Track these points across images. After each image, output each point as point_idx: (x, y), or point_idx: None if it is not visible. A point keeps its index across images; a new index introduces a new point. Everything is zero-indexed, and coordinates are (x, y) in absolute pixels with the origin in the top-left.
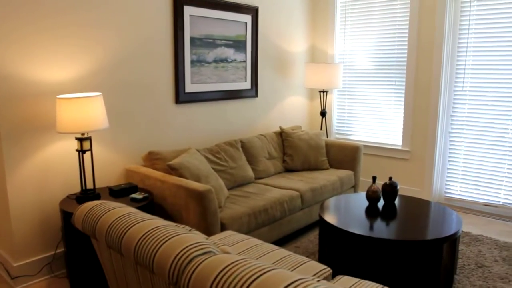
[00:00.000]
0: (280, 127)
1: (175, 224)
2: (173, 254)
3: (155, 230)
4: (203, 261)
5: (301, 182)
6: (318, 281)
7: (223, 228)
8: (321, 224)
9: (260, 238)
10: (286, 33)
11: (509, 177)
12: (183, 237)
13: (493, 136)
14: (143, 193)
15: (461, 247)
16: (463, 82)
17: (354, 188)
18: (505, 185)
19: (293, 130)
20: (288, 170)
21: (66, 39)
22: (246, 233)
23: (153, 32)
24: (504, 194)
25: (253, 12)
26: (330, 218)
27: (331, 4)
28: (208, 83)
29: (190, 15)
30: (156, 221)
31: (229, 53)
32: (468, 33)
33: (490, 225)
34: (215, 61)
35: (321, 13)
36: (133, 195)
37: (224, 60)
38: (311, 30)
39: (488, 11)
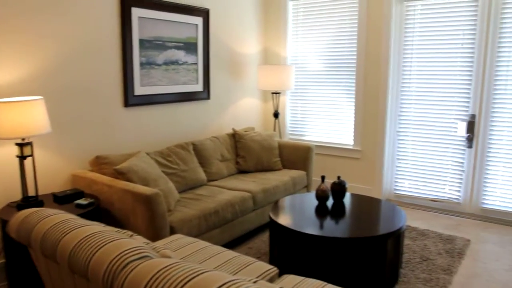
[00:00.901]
0: (233, 129)
1: (116, 229)
2: (107, 260)
3: (91, 237)
4: (137, 266)
5: (253, 183)
6: (255, 282)
7: (173, 231)
8: (271, 224)
9: (212, 241)
10: (239, 35)
11: (453, 173)
12: (120, 243)
13: (438, 134)
14: (89, 199)
15: (408, 241)
16: (409, 83)
17: (307, 188)
18: (449, 181)
19: (246, 131)
20: (241, 171)
21: (5, 44)
22: (196, 236)
23: (99, 35)
24: (449, 190)
25: (204, 14)
26: (279, 218)
27: (283, 7)
28: (158, 85)
29: (138, 17)
30: (94, 227)
31: (180, 55)
32: (413, 36)
33: (436, 219)
34: (166, 63)
35: (273, 16)
36: (78, 201)
37: (175, 62)
38: (264, 32)
39: (431, 15)
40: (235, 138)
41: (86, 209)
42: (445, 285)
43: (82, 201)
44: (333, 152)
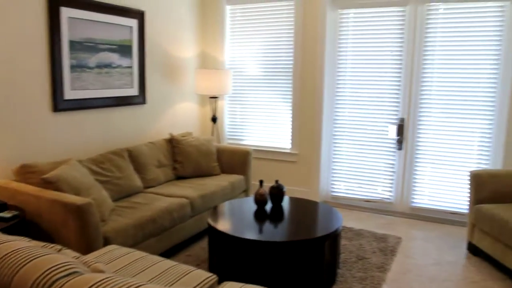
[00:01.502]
0: (170, 134)
1: (43, 244)
2: (32, 278)
3: (13, 254)
4: (65, 283)
5: (191, 189)
6: None
7: (107, 242)
8: (210, 230)
9: (149, 250)
10: (176, 39)
11: (385, 175)
12: (46, 259)
13: (371, 137)
14: (13, 211)
15: (344, 242)
16: (344, 88)
17: (246, 192)
18: (382, 182)
19: (183, 136)
20: (179, 177)
21: None
22: (132, 246)
23: (23, 36)
24: (382, 190)
25: (139, 16)
26: (218, 224)
27: (220, 10)
28: (91, 89)
29: (68, 17)
30: (17, 243)
31: (114, 58)
32: (346, 43)
33: (370, 219)
34: (98, 66)
35: (211, 19)
36: (1, 214)
37: (108, 66)
38: (201, 36)
39: (363, 23)
40: (173, 143)
41: (10, 223)
42: (379, 283)
43: (5, 214)
44: (271, 156)
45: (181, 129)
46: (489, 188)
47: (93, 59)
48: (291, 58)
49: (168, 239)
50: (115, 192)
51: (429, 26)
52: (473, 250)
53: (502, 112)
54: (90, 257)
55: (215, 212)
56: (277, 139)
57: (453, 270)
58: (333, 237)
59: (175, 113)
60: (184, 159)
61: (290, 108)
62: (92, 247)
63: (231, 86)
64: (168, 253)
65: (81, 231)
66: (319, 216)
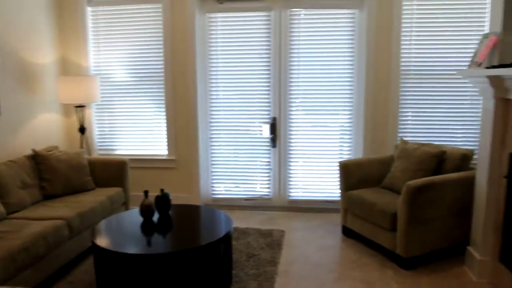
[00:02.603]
0: (32, 150)
1: None
2: None
3: None
4: None
5: (65, 208)
6: None
7: None
8: (95, 250)
9: (25, 284)
10: (30, 43)
11: (262, 172)
12: None
13: (246, 137)
14: None
15: (232, 242)
16: (217, 90)
17: (126, 204)
18: (260, 180)
19: (49, 151)
20: (49, 196)
21: None
22: (4, 282)
23: None
24: (260, 188)
25: None
26: (102, 241)
27: (80, 12)
28: None
29: None
30: None
31: None
32: (216, 46)
33: (252, 217)
34: None
35: (70, 22)
36: None
37: None
38: (59, 40)
39: (231, 26)
40: (37, 160)
41: None
42: (273, 276)
43: None
44: (148, 164)
45: (45, 143)
46: (356, 175)
47: None
48: (161, 62)
49: (45, 267)
50: None
51: (293, 30)
52: (348, 232)
53: (359, 107)
54: None
55: (97, 229)
56: (153, 146)
57: (333, 253)
58: (227, 240)
59: (36, 126)
60: (52, 176)
61: (164, 113)
62: None
63: (99, 93)
64: (47, 283)
65: None
66: (209, 220)
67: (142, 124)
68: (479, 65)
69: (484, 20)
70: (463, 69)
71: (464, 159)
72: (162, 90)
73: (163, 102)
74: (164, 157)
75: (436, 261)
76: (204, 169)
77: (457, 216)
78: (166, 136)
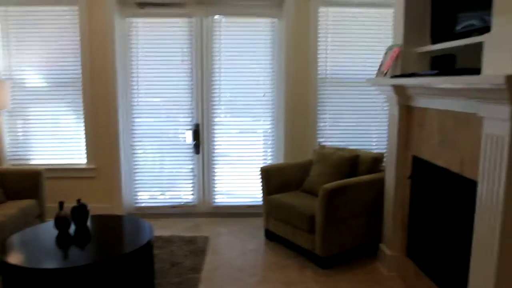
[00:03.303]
0: None
1: None
2: None
3: None
4: None
5: None
6: None
7: None
8: (3, 268)
9: None
10: None
11: (186, 179)
12: None
13: (170, 144)
14: None
15: (156, 251)
16: (139, 97)
17: (41, 217)
18: (184, 187)
19: None
20: None
21: None
22: None
23: None
24: (185, 195)
25: None
26: (12, 258)
27: None
28: None
29: None
30: None
31: None
32: (137, 52)
33: (177, 224)
34: None
35: None
36: None
37: None
38: None
39: (152, 32)
40: None
41: None
42: (196, 284)
43: None
44: (66, 174)
45: None
46: (277, 180)
47: None
48: (79, 67)
49: None
50: None
51: (214, 36)
52: (270, 235)
53: (279, 113)
54: None
55: (7, 246)
56: (72, 154)
57: (256, 257)
58: (148, 249)
59: None
60: None
61: (83, 120)
62: None
63: (9, 99)
64: None
65: None
66: (129, 230)
67: (59, 132)
68: (385, 74)
69: (392, 32)
70: (371, 78)
71: (375, 162)
72: (80, 96)
73: (81, 108)
74: (83, 166)
75: (352, 259)
76: (126, 177)
77: (370, 215)
78: (85, 144)
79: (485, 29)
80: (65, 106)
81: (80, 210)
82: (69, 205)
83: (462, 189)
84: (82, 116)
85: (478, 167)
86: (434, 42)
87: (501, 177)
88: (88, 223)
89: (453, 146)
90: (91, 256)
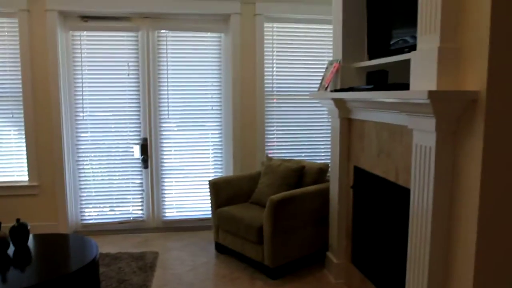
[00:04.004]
0: None
1: None
2: None
3: None
4: None
5: None
6: None
7: None
8: None
9: None
10: None
11: (134, 194)
12: None
13: (117, 159)
14: None
15: (102, 269)
16: (83, 111)
17: None
18: (132, 202)
19: None
20: None
21: None
22: None
23: None
24: (133, 210)
25: None
26: None
27: None
28: None
29: None
30: None
31: None
32: (81, 65)
33: (126, 240)
34: None
35: None
36: None
37: None
38: None
39: (97, 45)
40: None
41: None
42: None
43: None
44: (5, 192)
45: None
46: (226, 193)
47: None
48: (19, 83)
49: None
50: None
51: (160, 50)
52: (220, 248)
53: (227, 126)
54: None
55: None
56: (12, 172)
57: (206, 270)
58: (92, 267)
59: None
60: None
61: (23, 136)
62: None
63: None
64: None
65: None
66: (73, 248)
67: None
68: (326, 88)
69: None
70: (313, 92)
71: (321, 173)
72: (21, 111)
73: (22, 124)
74: (25, 184)
75: (301, 268)
76: (71, 194)
77: (317, 225)
78: (26, 160)
79: (415, 46)
80: (4, 121)
81: (20, 230)
82: (9, 224)
83: (399, 197)
84: (23, 132)
85: (411, 176)
86: (371, 57)
87: (429, 185)
88: (29, 243)
89: (389, 156)
90: (31, 278)
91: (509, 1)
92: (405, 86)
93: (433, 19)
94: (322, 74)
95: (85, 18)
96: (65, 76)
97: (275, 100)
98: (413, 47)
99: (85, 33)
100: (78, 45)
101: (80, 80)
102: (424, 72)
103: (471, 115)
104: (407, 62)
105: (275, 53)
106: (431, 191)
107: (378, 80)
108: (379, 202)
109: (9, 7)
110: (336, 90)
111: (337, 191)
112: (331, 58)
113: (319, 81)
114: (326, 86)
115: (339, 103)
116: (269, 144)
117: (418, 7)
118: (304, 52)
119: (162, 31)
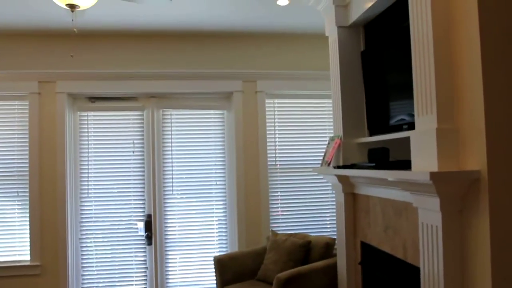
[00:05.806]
0: None
1: None
2: None
3: None
4: None
5: None
6: None
7: None
8: None
9: None
10: None
11: (137, 271)
12: None
13: (121, 236)
14: None
15: None
16: (88, 190)
17: None
18: (135, 279)
19: None
20: None
21: None
22: None
23: None
24: (136, 285)
25: None
26: None
27: None
28: None
29: None
30: None
31: None
32: (88, 145)
33: None
34: None
35: None
36: None
37: None
38: None
39: (103, 125)
40: None
41: None
42: None
43: None
44: (6, 272)
45: None
46: (231, 270)
47: None
48: (26, 161)
49: None
50: None
51: (165, 128)
52: None
53: (232, 201)
54: None
55: None
56: (13, 252)
57: None
58: None
59: None
60: None
61: (27, 216)
62: None
63: None
64: None
65: None
66: None
67: (1, 226)
68: (328, 164)
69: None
70: (317, 167)
71: (328, 247)
72: (27, 189)
73: (27, 202)
74: (26, 263)
75: None
76: (73, 273)
77: None
78: (29, 239)
79: (413, 123)
80: (9, 200)
81: None
82: None
83: (408, 275)
84: (27, 210)
85: (419, 253)
86: (371, 133)
87: (439, 265)
88: None
89: (395, 232)
90: None
91: (501, 81)
92: (407, 164)
93: (428, 101)
94: (324, 145)
95: (93, 99)
96: (71, 154)
97: (278, 166)
98: (411, 124)
99: (92, 113)
100: (85, 124)
101: (86, 158)
102: (424, 152)
103: (476, 193)
104: (407, 137)
105: (277, 127)
106: (441, 271)
107: (380, 157)
108: (389, 280)
109: (21, 91)
110: (339, 167)
111: (345, 268)
112: (332, 130)
113: (321, 153)
114: (328, 162)
115: (342, 178)
116: (273, 215)
117: (414, 89)
118: (305, 125)
119: (166, 110)
